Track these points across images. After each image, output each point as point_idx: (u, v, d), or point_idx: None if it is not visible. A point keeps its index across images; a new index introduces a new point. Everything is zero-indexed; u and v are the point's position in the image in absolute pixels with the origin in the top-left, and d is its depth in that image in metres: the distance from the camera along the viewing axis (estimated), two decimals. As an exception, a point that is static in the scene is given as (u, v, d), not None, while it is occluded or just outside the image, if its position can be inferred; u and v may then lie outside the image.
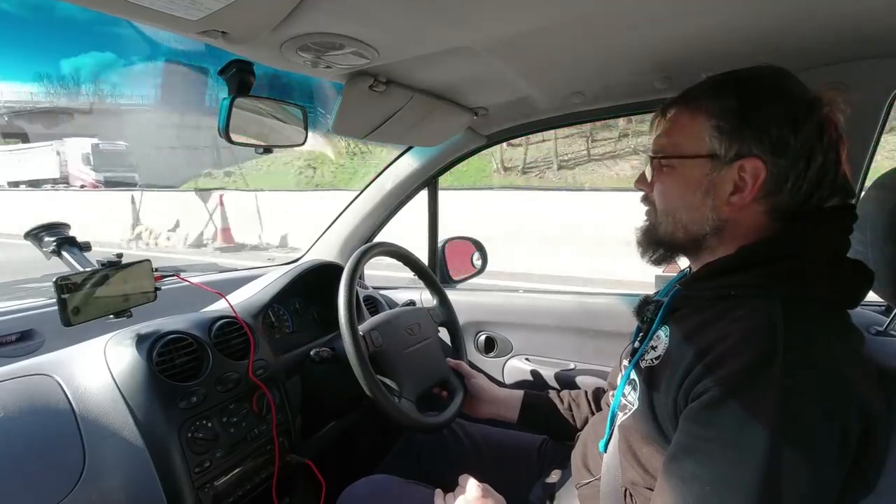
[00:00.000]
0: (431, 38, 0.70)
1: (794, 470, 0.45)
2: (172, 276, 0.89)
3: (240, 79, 0.77)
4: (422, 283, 1.17)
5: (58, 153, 16.96)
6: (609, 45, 0.78)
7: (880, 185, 0.63)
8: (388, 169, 1.38)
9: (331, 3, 0.56)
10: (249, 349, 0.91)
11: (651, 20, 0.69)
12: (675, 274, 0.76)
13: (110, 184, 15.49)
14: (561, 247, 6.74)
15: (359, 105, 0.88)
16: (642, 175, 0.68)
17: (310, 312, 1.22)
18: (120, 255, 0.79)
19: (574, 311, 1.28)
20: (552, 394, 0.99)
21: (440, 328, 1.12)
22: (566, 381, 1.26)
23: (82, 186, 15.97)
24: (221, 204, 9.22)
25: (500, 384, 1.35)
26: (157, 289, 0.83)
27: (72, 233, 0.84)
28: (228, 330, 0.91)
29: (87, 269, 0.75)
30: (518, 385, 1.32)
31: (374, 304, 1.33)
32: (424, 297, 1.42)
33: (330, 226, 1.47)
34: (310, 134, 0.92)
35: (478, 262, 1.58)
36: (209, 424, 0.79)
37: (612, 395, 0.69)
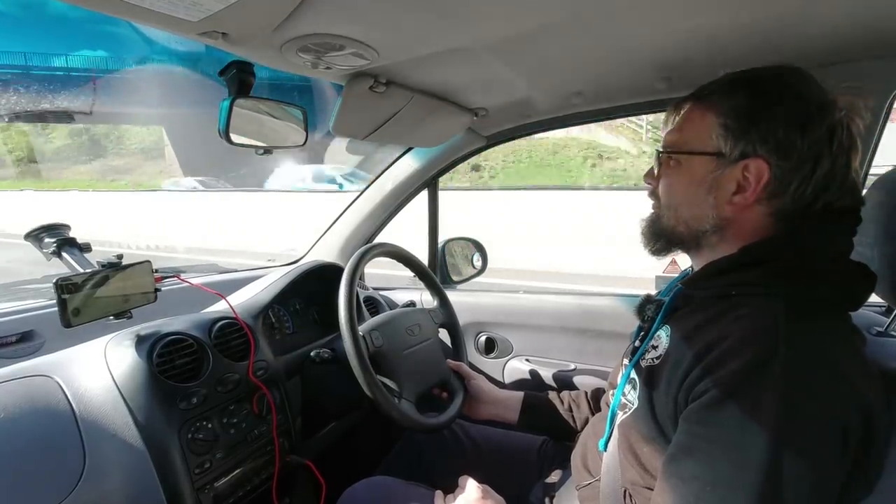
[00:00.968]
0: (431, 38, 0.70)
1: (795, 470, 0.45)
2: (172, 276, 0.89)
3: (240, 80, 0.77)
4: (422, 284, 1.17)
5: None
6: (609, 45, 0.78)
7: (880, 185, 0.63)
8: (389, 170, 1.38)
9: (331, 5, 0.56)
10: (250, 350, 0.91)
11: (651, 20, 0.69)
12: (676, 274, 0.76)
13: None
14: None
15: (359, 106, 0.88)
16: (650, 169, 0.68)
17: (310, 313, 1.22)
18: (120, 256, 0.79)
19: (574, 311, 1.28)
20: (552, 395, 0.99)
21: (440, 329, 1.12)
22: (566, 381, 1.25)
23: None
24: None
25: (501, 385, 1.35)
26: (157, 290, 0.83)
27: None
28: (229, 331, 0.91)
29: (88, 270, 0.75)
30: (518, 386, 1.32)
31: (374, 305, 1.33)
32: (425, 298, 1.42)
33: (330, 227, 1.47)
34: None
35: (478, 263, 1.58)
36: (209, 425, 0.79)
37: (613, 395, 0.69)
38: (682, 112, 0.64)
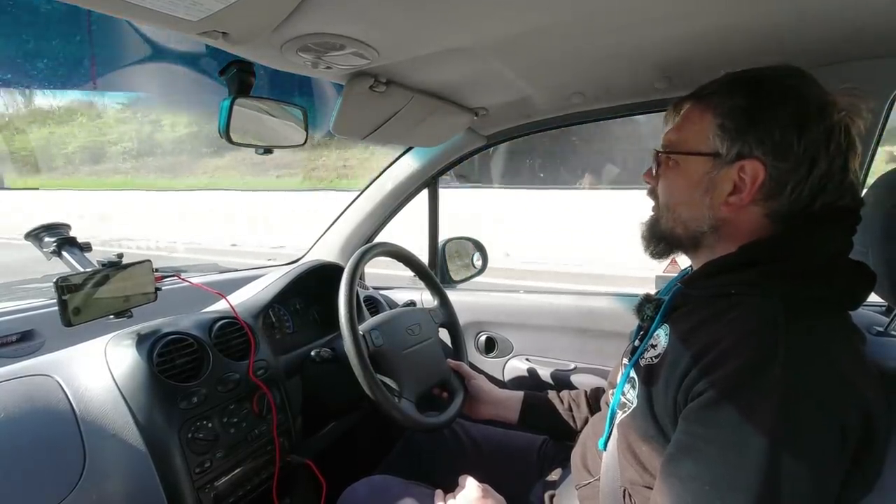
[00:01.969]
0: (431, 38, 0.70)
1: (794, 469, 0.45)
2: (173, 276, 0.89)
3: (240, 79, 0.77)
4: (422, 284, 1.17)
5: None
6: (609, 45, 0.78)
7: (879, 185, 0.63)
8: (389, 169, 1.38)
9: (331, 4, 0.56)
10: (250, 349, 0.91)
11: (651, 20, 0.69)
12: (676, 274, 0.76)
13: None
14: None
15: (359, 105, 0.88)
16: (649, 169, 0.68)
17: (310, 313, 1.22)
18: (120, 256, 0.79)
19: (574, 311, 1.28)
20: (552, 394, 0.99)
21: (440, 328, 1.12)
22: (566, 381, 1.26)
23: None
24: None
25: (501, 384, 1.35)
26: (157, 289, 0.83)
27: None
28: (229, 330, 0.91)
29: (88, 270, 0.75)
30: (518, 385, 1.32)
31: (374, 305, 1.33)
32: (425, 298, 1.42)
33: (330, 226, 1.47)
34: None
35: (478, 263, 1.58)
36: (209, 425, 0.79)
37: (612, 394, 0.69)
38: (681, 112, 0.64)
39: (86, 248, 0.83)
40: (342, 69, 0.78)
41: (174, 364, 0.80)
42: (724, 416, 0.48)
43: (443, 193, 1.47)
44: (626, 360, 0.69)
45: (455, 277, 1.52)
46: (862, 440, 0.47)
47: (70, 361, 0.76)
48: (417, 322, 1.04)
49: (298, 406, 0.99)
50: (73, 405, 0.70)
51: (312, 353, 0.98)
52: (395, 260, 1.10)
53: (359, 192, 1.43)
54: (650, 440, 0.59)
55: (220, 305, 0.99)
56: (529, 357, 1.34)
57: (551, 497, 0.84)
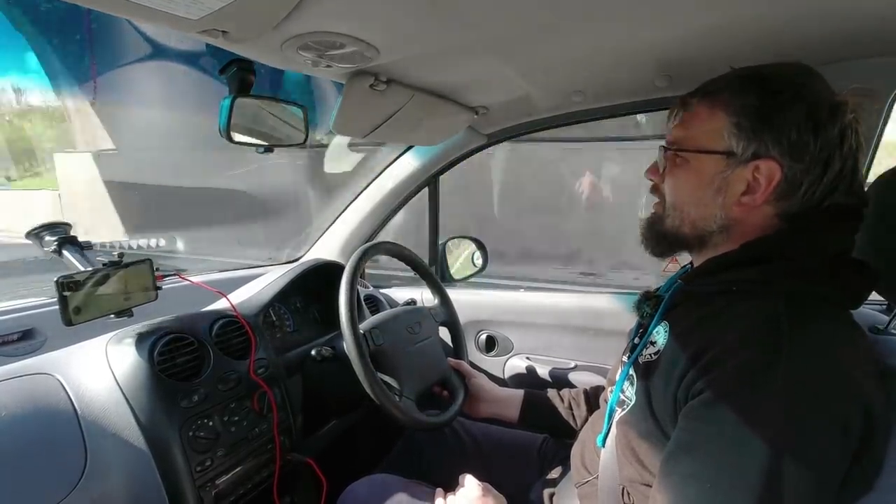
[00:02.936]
0: (432, 37, 0.69)
1: (795, 467, 0.45)
2: (173, 275, 0.89)
3: (240, 78, 0.77)
4: (423, 282, 1.18)
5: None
6: (610, 44, 0.78)
7: (881, 184, 0.63)
8: (389, 168, 1.38)
9: (331, 3, 0.56)
10: (250, 348, 0.91)
11: (652, 19, 0.68)
12: (676, 272, 0.76)
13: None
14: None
15: (359, 104, 0.88)
16: (654, 165, 0.67)
17: (311, 311, 1.22)
18: (121, 255, 0.79)
19: (575, 309, 1.28)
20: (552, 393, 0.99)
21: (441, 327, 1.12)
22: (567, 379, 1.26)
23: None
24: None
25: (501, 383, 1.35)
26: (158, 288, 0.83)
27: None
28: (229, 329, 0.91)
29: (89, 269, 0.75)
30: (519, 384, 1.32)
31: (374, 303, 1.34)
32: (425, 296, 1.42)
33: (331, 225, 1.47)
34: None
35: (479, 262, 1.58)
36: (210, 423, 0.79)
37: (611, 392, 0.69)
38: (688, 108, 0.63)
39: (86, 247, 0.83)
40: (342, 68, 0.78)
41: (175, 363, 0.80)
42: (726, 413, 0.48)
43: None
44: (625, 358, 0.69)
45: (455, 276, 1.53)
46: (863, 438, 0.47)
47: (71, 360, 0.76)
48: (418, 321, 1.04)
49: (299, 405, 0.99)
50: (74, 404, 0.70)
51: (313, 352, 0.98)
52: (395, 258, 1.10)
53: (359, 191, 1.43)
54: (649, 437, 0.58)
55: (221, 304, 0.99)
56: (530, 355, 1.34)
57: (551, 496, 0.84)
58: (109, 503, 0.66)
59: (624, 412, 0.63)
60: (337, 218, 1.46)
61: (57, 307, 0.70)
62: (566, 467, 0.86)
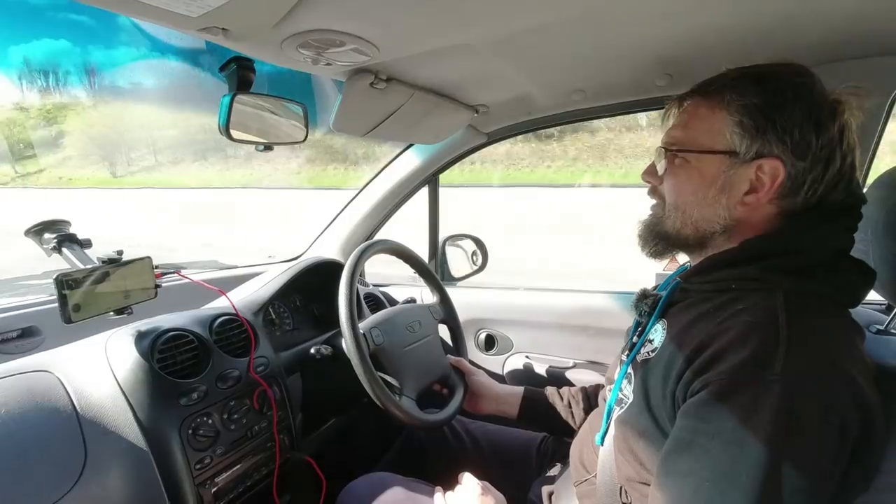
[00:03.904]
0: (432, 35, 0.69)
1: (794, 465, 0.45)
2: (173, 273, 0.89)
3: (240, 75, 0.77)
4: (422, 281, 1.18)
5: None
6: (610, 42, 0.78)
7: (880, 184, 0.63)
8: (389, 167, 1.38)
9: (331, 1, 0.56)
10: (250, 346, 0.91)
11: (652, 18, 0.68)
12: (675, 271, 0.76)
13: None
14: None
15: (359, 102, 0.88)
16: (651, 166, 0.66)
17: (310, 310, 1.22)
18: (120, 252, 0.79)
19: (574, 308, 1.28)
20: (552, 391, 0.99)
21: (440, 325, 1.13)
22: (566, 378, 1.26)
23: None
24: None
25: (501, 381, 1.35)
26: (157, 286, 0.83)
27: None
28: (229, 327, 0.91)
29: (88, 266, 0.75)
30: (518, 382, 1.32)
31: (374, 302, 1.34)
32: (425, 295, 1.42)
33: (330, 223, 1.47)
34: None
35: (478, 260, 1.58)
36: (210, 421, 0.79)
37: (610, 390, 0.69)
38: (685, 107, 0.63)
39: (86, 244, 0.83)
40: (342, 66, 0.77)
41: (174, 360, 0.80)
42: (725, 411, 0.48)
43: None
44: (623, 357, 0.69)
45: (455, 275, 1.53)
46: (861, 437, 0.47)
47: (70, 358, 0.76)
48: (417, 319, 1.04)
49: (299, 403, 0.99)
50: (74, 401, 0.70)
51: (312, 350, 0.98)
52: (395, 257, 1.10)
53: (359, 190, 1.43)
54: (647, 436, 0.58)
55: (221, 302, 0.99)
56: (529, 354, 1.34)
57: (550, 494, 0.84)
58: (108, 500, 0.66)
59: (622, 410, 0.63)
60: (337, 216, 1.46)
61: (56, 305, 0.70)
62: (565, 466, 0.86)
